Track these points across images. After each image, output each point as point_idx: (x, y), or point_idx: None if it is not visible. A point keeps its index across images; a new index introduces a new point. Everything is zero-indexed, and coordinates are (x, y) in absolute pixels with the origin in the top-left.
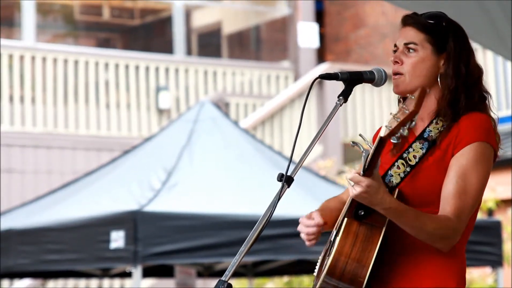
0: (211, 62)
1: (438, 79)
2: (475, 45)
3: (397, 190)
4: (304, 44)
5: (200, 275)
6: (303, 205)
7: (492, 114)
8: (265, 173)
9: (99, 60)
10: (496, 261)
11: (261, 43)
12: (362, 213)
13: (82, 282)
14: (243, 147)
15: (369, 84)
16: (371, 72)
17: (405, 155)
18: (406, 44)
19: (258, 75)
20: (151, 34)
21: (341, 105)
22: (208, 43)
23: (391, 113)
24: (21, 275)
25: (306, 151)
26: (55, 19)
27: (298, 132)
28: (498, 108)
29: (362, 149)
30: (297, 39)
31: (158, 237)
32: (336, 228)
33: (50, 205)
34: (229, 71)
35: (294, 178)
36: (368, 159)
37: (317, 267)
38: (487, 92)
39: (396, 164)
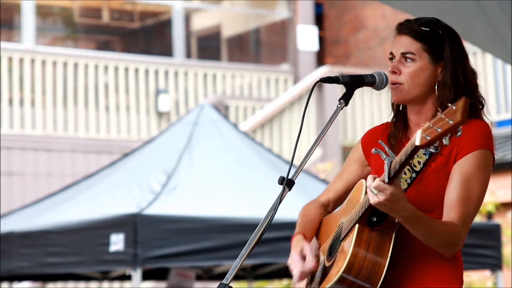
0: (210, 65)
1: (436, 88)
2: (474, 49)
3: None
4: (303, 47)
5: (199, 278)
6: None
7: (486, 120)
8: (264, 176)
9: (99, 63)
10: (495, 265)
11: (260, 46)
12: (375, 219)
13: (81, 285)
14: (243, 150)
15: (368, 87)
16: (372, 76)
17: (410, 161)
18: (403, 53)
19: (258, 78)
20: (150, 37)
21: (342, 109)
22: (208, 46)
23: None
24: (21, 278)
25: (307, 155)
26: (54, 22)
27: (299, 135)
28: (497, 111)
29: (384, 157)
30: (297, 42)
31: (157, 240)
32: (337, 234)
33: (50, 208)
34: (228, 74)
35: (295, 181)
36: (397, 166)
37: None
38: (483, 98)
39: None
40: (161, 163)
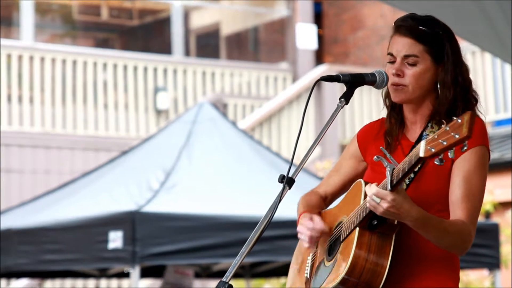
0: (209, 63)
1: (438, 87)
2: (473, 48)
3: None
4: (302, 45)
5: (198, 275)
6: None
7: (481, 115)
8: (263, 174)
9: (98, 60)
10: (493, 264)
11: (259, 45)
12: (376, 222)
13: (79, 282)
14: (242, 148)
15: (367, 86)
16: (372, 75)
17: None
18: (406, 56)
19: (256, 76)
20: (149, 35)
21: (342, 107)
22: (207, 44)
23: (431, 132)
24: (19, 275)
25: (308, 153)
26: (53, 19)
27: (299, 133)
28: (496, 111)
29: (386, 164)
30: (296, 41)
31: (156, 237)
32: (335, 235)
33: (48, 205)
34: (227, 72)
35: (295, 179)
36: (400, 175)
37: (307, 268)
38: (477, 93)
39: None
40: (160, 161)
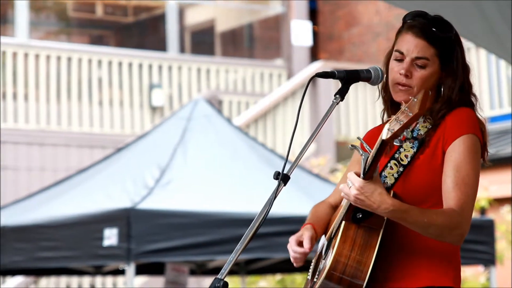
0: (204, 60)
1: (443, 91)
2: (468, 44)
3: (392, 191)
4: (297, 42)
5: (193, 272)
6: (296, 203)
7: (479, 116)
8: (258, 171)
9: (92, 57)
10: (488, 260)
11: (254, 41)
12: (360, 215)
13: (74, 279)
14: (237, 145)
15: (362, 83)
16: (367, 71)
17: (396, 155)
18: (418, 58)
19: (251, 73)
20: (144, 32)
21: (337, 104)
22: (202, 41)
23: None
24: (14, 272)
25: (303, 150)
26: (48, 16)
27: (294, 130)
28: (491, 107)
29: (361, 152)
30: (291, 37)
31: (151, 234)
32: (332, 232)
33: (43, 202)
34: (222, 69)
35: (290, 176)
36: (369, 161)
37: (310, 271)
38: (475, 97)
39: (389, 165)
40: (155, 157)
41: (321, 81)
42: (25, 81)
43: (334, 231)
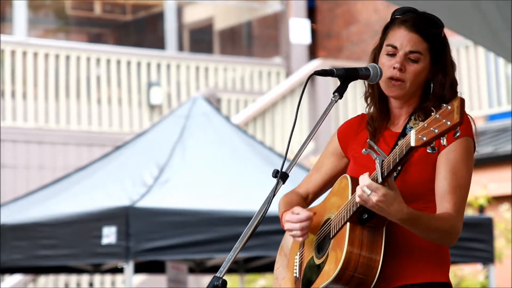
0: (202, 58)
1: (433, 87)
2: (466, 42)
3: None
4: (296, 40)
5: (191, 271)
6: None
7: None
8: (257, 169)
9: (91, 56)
10: (487, 258)
11: (253, 39)
12: (366, 216)
13: (73, 278)
14: (235, 143)
15: (360, 80)
16: (366, 69)
17: None
18: (411, 52)
19: (250, 71)
20: (143, 30)
21: (336, 102)
22: (200, 39)
23: (421, 122)
24: (13, 270)
25: (301, 148)
26: (46, 14)
27: (293, 128)
28: (489, 105)
29: (375, 156)
30: (289, 36)
31: (150, 233)
32: (323, 232)
33: (42, 201)
34: (220, 67)
35: (289, 174)
36: (391, 166)
37: (296, 268)
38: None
39: None
40: (154, 156)
41: (319, 79)
42: (24, 79)
43: (335, 232)
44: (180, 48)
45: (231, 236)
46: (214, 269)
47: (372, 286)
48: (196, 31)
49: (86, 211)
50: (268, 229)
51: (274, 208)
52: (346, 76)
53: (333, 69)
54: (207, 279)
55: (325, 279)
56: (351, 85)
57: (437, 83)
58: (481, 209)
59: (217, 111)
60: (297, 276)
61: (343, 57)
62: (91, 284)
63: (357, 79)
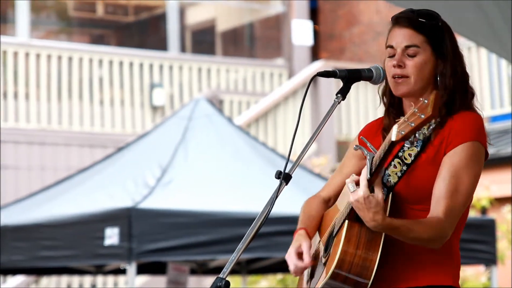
0: (205, 59)
1: (438, 79)
2: (468, 43)
3: (391, 194)
4: (298, 41)
5: (193, 272)
6: (297, 202)
7: (478, 111)
8: (259, 171)
9: (93, 57)
10: (490, 260)
11: (255, 41)
12: None
13: (75, 279)
14: (238, 145)
15: (363, 82)
16: (369, 70)
17: (400, 153)
18: (407, 46)
19: (252, 73)
20: (145, 31)
21: (339, 103)
22: (202, 40)
23: (401, 117)
24: (15, 271)
25: (304, 149)
26: (49, 16)
27: (296, 129)
28: (492, 106)
29: (366, 152)
30: (291, 37)
31: (152, 234)
32: (332, 231)
33: (44, 202)
34: (223, 68)
35: (292, 175)
36: (375, 161)
37: (305, 273)
38: (473, 89)
39: (392, 163)
40: (156, 157)
41: (322, 80)
42: (26, 81)
43: (336, 230)
44: (183, 49)
45: (233, 237)
46: (217, 270)
47: (368, 286)
48: (198, 32)
49: (89, 212)
50: (271, 231)
51: (277, 210)
52: (349, 77)
53: (335, 71)
54: (209, 280)
55: (323, 278)
56: (354, 87)
57: (441, 75)
58: (483, 210)
59: (220, 112)
60: (309, 276)
61: (345, 58)
62: (93, 285)
63: (359, 80)
